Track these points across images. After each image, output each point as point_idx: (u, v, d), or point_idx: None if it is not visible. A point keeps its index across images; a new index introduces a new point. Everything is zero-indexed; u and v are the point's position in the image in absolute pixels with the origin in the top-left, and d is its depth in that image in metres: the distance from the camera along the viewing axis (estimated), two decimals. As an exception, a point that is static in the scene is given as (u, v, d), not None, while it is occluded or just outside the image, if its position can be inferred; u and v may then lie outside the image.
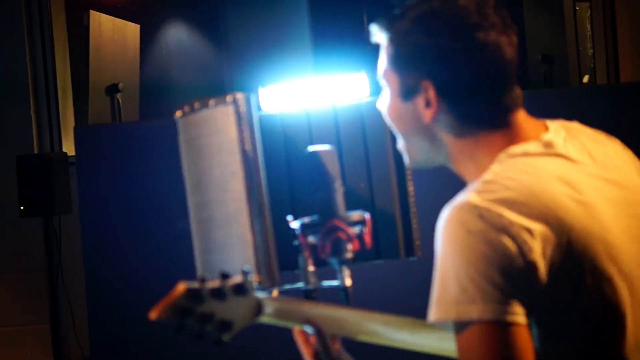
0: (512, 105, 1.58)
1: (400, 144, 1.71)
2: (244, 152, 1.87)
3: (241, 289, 1.58)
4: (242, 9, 5.72)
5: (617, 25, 4.01)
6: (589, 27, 4.64)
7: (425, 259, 2.13)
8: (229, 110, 1.88)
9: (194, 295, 1.54)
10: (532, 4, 4.88)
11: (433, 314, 1.45)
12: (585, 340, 1.45)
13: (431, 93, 1.57)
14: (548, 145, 1.55)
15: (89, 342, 3.38)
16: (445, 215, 1.47)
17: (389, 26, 1.63)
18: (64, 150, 4.53)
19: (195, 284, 1.55)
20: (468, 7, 1.56)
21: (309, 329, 1.73)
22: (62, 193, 3.88)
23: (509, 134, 1.58)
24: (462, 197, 1.47)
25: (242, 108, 1.87)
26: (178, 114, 2.01)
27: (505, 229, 1.41)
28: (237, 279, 1.58)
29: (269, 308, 1.67)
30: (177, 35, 6.36)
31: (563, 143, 1.57)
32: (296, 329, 1.77)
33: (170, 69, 6.27)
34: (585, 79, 4.84)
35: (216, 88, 6.01)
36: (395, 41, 1.62)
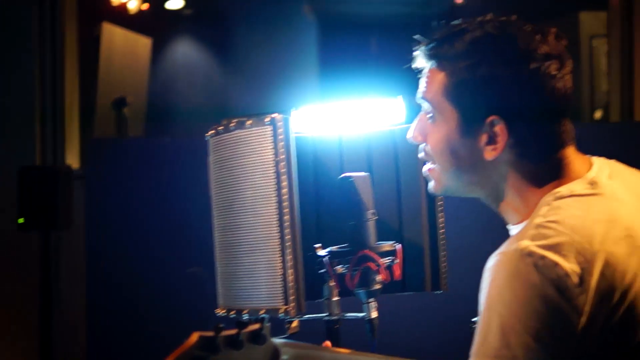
0: (568, 140, 1.53)
1: (430, 169, 1.62)
2: (279, 175, 1.82)
3: (258, 337, 1.52)
4: (253, 30, 5.70)
5: (635, 62, 3.98)
6: (604, 63, 4.61)
7: (451, 294, 2.08)
8: (267, 131, 1.82)
9: (208, 344, 1.48)
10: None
11: None
12: None
13: (499, 131, 1.50)
14: (593, 184, 1.50)
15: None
16: (496, 262, 1.40)
17: (442, 52, 1.54)
18: (66, 163, 4.43)
19: (209, 333, 1.50)
20: (532, 36, 1.49)
21: None
22: (65, 207, 3.78)
23: (557, 170, 1.52)
24: (514, 243, 1.40)
25: (280, 129, 1.82)
26: (209, 133, 1.95)
27: (560, 281, 1.34)
28: (254, 326, 1.53)
29: (285, 355, 1.62)
30: (186, 53, 6.30)
31: (608, 181, 1.52)
32: None
33: (177, 87, 6.22)
34: (598, 114, 4.81)
35: (222, 109, 5.96)
36: (454, 71, 1.52)
